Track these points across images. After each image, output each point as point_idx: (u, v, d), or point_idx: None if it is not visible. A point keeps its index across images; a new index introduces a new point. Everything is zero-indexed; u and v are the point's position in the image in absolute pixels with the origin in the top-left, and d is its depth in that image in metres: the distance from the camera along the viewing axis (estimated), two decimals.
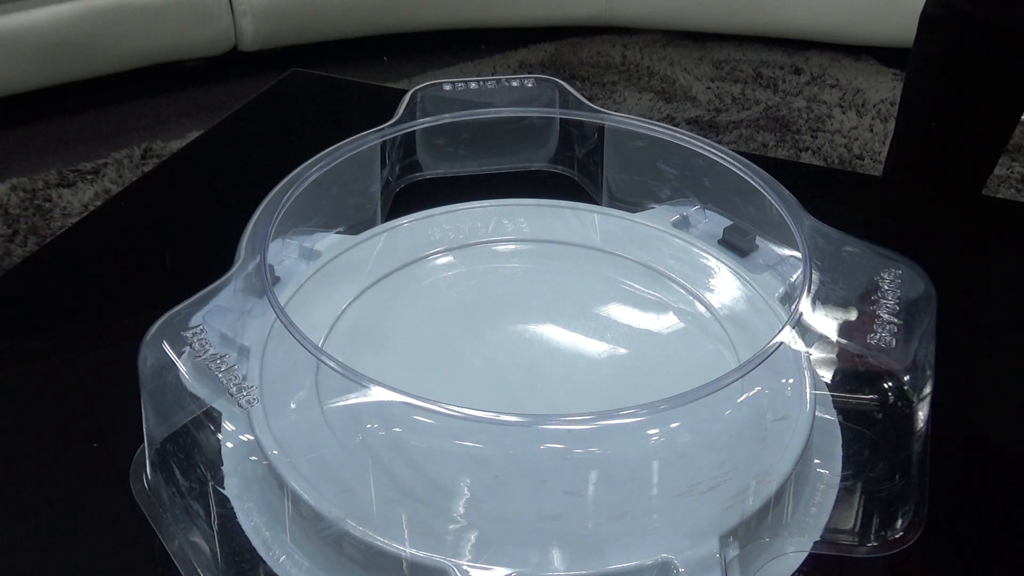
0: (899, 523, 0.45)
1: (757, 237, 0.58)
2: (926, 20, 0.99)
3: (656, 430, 0.45)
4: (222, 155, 0.81)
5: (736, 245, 0.58)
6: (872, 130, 1.90)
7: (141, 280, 0.65)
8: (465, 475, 0.44)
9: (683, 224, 0.60)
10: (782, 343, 0.44)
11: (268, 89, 0.88)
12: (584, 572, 0.40)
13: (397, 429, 0.45)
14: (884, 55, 2.19)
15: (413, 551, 0.40)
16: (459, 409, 0.40)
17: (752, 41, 2.25)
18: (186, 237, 0.69)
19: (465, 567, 0.39)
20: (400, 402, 0.41)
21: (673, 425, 0.45)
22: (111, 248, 0.68)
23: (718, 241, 0.59)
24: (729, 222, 0.59)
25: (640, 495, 0.44)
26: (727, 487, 0.43)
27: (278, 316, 0.45)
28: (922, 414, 0.45)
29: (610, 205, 0.63)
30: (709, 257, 0.57)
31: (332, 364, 0.43)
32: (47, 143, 1.87)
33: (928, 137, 1.02)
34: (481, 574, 0.39)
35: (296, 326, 0.44)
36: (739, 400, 0.47)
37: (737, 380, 0.42)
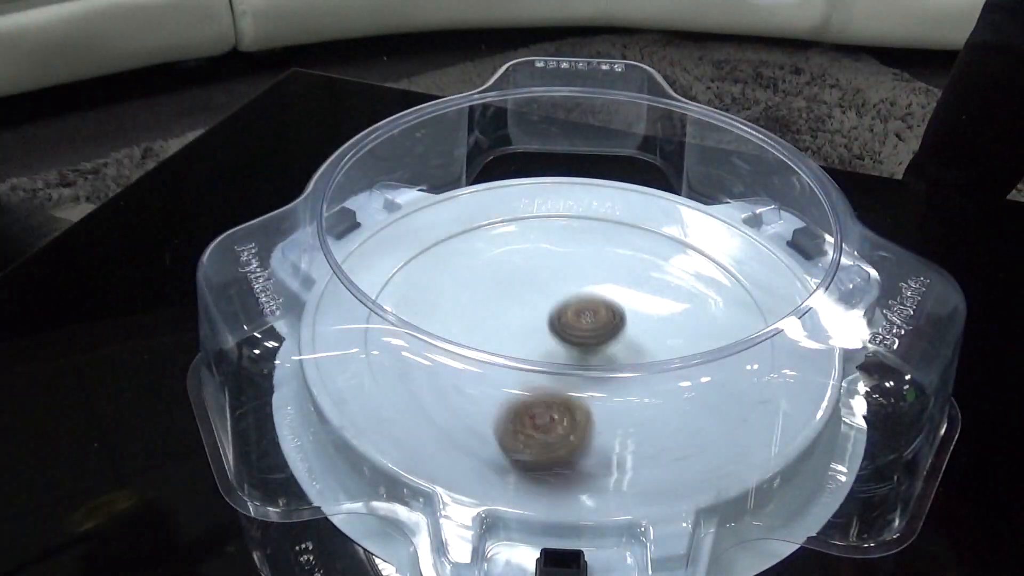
0: (898, 523, 0.45)
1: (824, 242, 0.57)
2: (976, 46, 0.98)
3: (654, 389, 0.46)
4: (222, 155, 0.81)
5: (803, 248, 0.57)
6: (872, 130, 1.90)
7: (141, 280, 0.65)
8: (466, 413, 0.45)
9: (754, 222, 0.60)
10: (781, 330, 0.44)
11: (268, 89, 0.88)
12: (556, 520, 0.41)
13: (415, 358, 0.46)
14: (884, 55, 2.19)
15: (399, 470, 0.42)
16: (459, 348, 0.41)
17: (752, 41, 2.25)
18: (186, 237, 0.69)
19: (441, 493, 0.41)
20: (407, 333, 0.43)
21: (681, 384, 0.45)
22: (111, 248, 0.68)
23: (787, 243, 0.58)
24: (801, 223, 0.58)
25: (640, 452, 0.44)
26: (706, 460, 0.43)
27: (330, 265, 0.47)
28: (923, 416, 0.45)
29: (688, 196, 0.63)
30: (765, 251, 0.57)
31: (360, 298, 0.44)
32: (47, 143, 1.87)
33: (963, 158, 1.03)
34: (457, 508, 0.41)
35: (344, 271, 0.46)
36: (737, 381, 0.47)
37: (731, 355, 0.42)
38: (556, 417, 0.42)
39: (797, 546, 0.44)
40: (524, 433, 0.42)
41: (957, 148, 1.03)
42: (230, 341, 0.46)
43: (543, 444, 0.42)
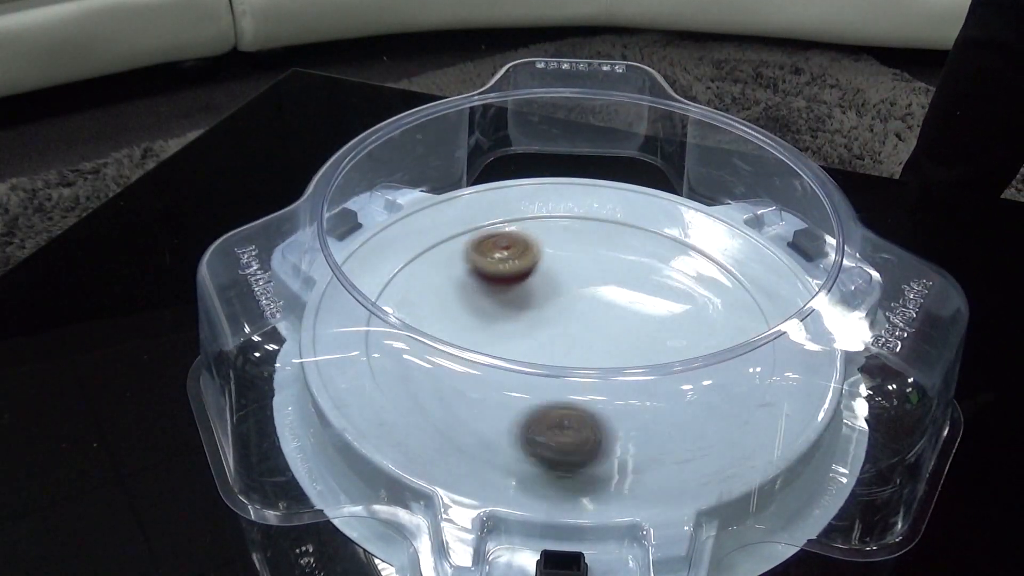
0: (900, 526, 0.45)
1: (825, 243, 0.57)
2: (965, 43, 0.98)
3: (656, 392, 0.45)
4: (222, 155, 0.81)
5: (804, 249, 0.57)
6: (872, 130, 1.90)
7: (141, 280, 0.65)
8: (467, 415, 0.45)
9: (755, 223, 0.60)
10: (784, 333, 0.43)
11: (268, 89, 0.88)
12: (557, 521, 0.41)
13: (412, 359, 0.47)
14: (884, 55, 2.19)
15: (400, 472, 0.42)
16: (459, 350, 0.41)
17: (752, 41, 2.25)
18: (186, 238, 0.69)
19: (442, 495, 0.41)
20: (408, 336, 0.43)
21: (685, 387, 0.46)
22: (111, 248, 0.68)
23: (788, 244, 0.58)
24: (802, 225, 0.58)
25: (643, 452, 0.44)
26: (708, 463, 0.43)
27: (331, 267, 0.47)
28: (925, 418, 0.45)
29: (690, 197, 0.63)
30: (766, 252, 0.57)
31: (360, 300, 0.44)
32: (47, 143, 1.87)
33: (955, 155, 1.03)
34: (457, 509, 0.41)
35: (344, 272, 0.46)
36: (739, 383, 0.47)
37: (733, 358, 0.42)
38: (573, 423, 0.43)
39: (798, 548, 0.44)
40: (544, 436, 0.43)
41: (951, 144, 1.04)
42: (231, 343, 0.46)
43: (564, 446, 0.42)
